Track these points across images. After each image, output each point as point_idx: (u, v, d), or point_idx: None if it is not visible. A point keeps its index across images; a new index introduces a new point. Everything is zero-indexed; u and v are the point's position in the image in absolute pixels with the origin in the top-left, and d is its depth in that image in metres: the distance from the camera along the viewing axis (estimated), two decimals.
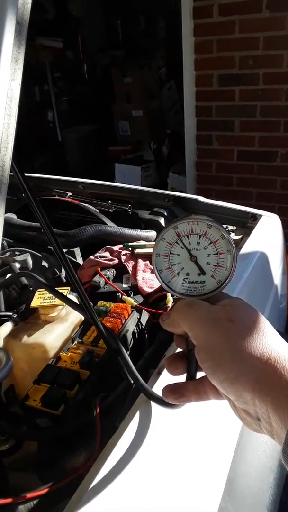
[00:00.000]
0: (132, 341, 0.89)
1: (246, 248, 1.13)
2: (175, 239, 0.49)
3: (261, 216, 1.29)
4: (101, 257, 1.13)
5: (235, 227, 1.28)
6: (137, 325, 0.92)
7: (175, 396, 0.49)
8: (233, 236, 1.24)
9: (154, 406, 0.65)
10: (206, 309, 0.47)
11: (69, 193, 1.50)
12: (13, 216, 1.34)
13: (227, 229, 1.24)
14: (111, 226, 1.27)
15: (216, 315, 0.45)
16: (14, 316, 0.91)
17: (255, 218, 1.28)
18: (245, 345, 0.43)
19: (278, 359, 0.41)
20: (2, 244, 1.09)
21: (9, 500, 0.54)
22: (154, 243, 0.51)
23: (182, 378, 0.50)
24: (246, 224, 1.28)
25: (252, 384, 0.41)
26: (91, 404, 0.71)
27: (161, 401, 0.62)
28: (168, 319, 0.49)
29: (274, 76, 2.71)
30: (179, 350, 0.53)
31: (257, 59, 2.71)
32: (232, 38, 2.74)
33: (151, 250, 0.63)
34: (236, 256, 0.48)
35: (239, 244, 1.18)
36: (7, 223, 1.25)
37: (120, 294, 0.99)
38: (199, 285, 0.50)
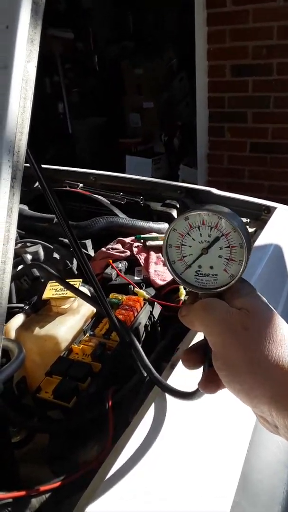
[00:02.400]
0: (144, 334, 0.88)
1: (260, 241, 1.11)
2: (186, 230, 0.48)
3: (275, 208, 1.26)
4: (113, 249, 1.12)
5: (248, 220, 1.26)
6: (149, 318, 0.91)
7: (216, 384, 0.47)
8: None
9: (168, 400, 0.64)
10: (223, 315, 0.45)
11: (81, 185, 1.49)
12: (24, 207, 1.33)
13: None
14: (123, 218, 1.25)
15: (232, 322, 0.44)
16: (26, 308, 0.90)
17: (269, 210, 1.26)
18: (261, 356, 0.41)
19: None
20: None
21: (23, 493, 0.54)
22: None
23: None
24: (260, 217, 1.26)
25: (268, 396, 0.40)
26: (103, 397, 0.71)
27: (177, 394, 0.61)
28: (186, 317, 0.48)
29: None
30: (193, 343, 0.51)
31: (271, 49, 2.67)
32: (245, 28, 2.70)
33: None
34: (249, 251, 0.47)
35: (253, 237, 1.17)
36: (19, 214, 1.24)
37: (132, 286, 0.98)
38: (212, 278, 0.48)
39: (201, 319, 0.46)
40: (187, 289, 0.51)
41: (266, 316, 0.44)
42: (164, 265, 1.03)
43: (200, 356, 0.49)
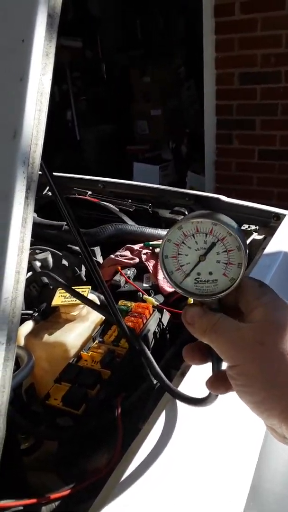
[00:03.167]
0: (153, 341, 0.88)
1: (269, 249, 1.11)
2: (181, 240, 0.48)
3: (284, 215, 1.26)
4: (121, 256, 1.12)
5: (257, 227, 1.26)
6: (158, 325, 0.91)
7: (225, 386, 0.46)
8: (256, 236, 1.22)
9: (179, 407, 0.64)
10: (234, 332, 0.44)
11: (89, 192, 1.50)
12: (33, 214, 1.34)
13: (249, 228, 1.24)
14: (131, 225, 1.26)
15: (246, 338, 0.43)
16: (35, 315, 0.91)
17: (279, 217, 1.25)
18: (276, 371, 0.41)
19: None
20: None
21: (33, 500, 0.54)
22: None
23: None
24: (269, 224, 1.26)
25: (278, 411, 0.40)
26: (112, 404, 0.71)
27: (189, 400, 0.61)
28: (193, 332, 0.47)
29: None
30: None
31: (279, 57, 2.68)
32: (254, 36, 2.71)
33: None
34: (246, 252, 0.47)
35: (262, 244, 1.16)
36: None
37: (141, 293, 0.98)
38: (212, 284, 0.48)
39: (211, 341, 0.45)
40: (188, 297, 0.51)
41: (283, 329, 0.42)
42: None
43: (203, 352, 0.48)
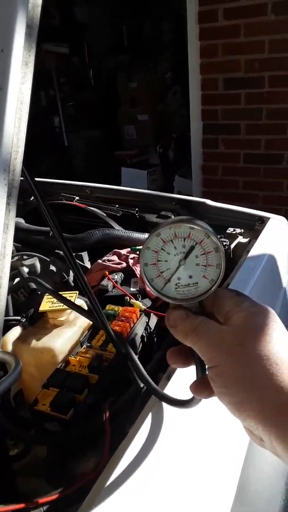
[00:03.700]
0: (140, 345, 0.89)
1: (254, 251, 1.13)
2: (160, 246, 0.48)
3: (268, 218, 1.28)
4: (109, 260, 1.13)
5: (242, 230, 1.27)
6: (145, 328, 0.92)
7: (209, 390, 0.46)
8: (241, 239, 1.24)
9: (165, 410, 0.65)
10: (215, 334, 0.45)
11: (77, 197, 1.50)
12: (21, 220, 1.34)
13: (234, 231, 1.25)
14: (118, 230, 1.27)
15: (226, 340, 0.44)
16: (23, 321, 0.91)
17: (263, 221, 1.27)
18: (255, 372, 0.41)
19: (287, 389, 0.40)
20: None
21: (21, 505, 0.54)
22: None
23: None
24: (254, 227, 1.28)
25: (256, 412, 0.41)
26: (100, 408, 0.71)
27: (175, 402, 0.62)
28: (175, 334, 0.48)
29: (280, 79, 2.71)
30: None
31: (263, 62, 2.71)
32: (237, 42, 2.74)
33: None
34: (224, 252, 0.48)
35: (246, 247, 1.18)
36: (15, 227, 1.25)
37: (128, 297, 0.99)
38: (193, 287, 0.49)
39: (193, 343, 0.46)
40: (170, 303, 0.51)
41: (263, 333, 0.43)
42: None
43: (186, 356, 0.49)
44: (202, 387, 0.47)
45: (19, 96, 0.35)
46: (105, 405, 0.71)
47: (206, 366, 0.45)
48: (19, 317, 0.93)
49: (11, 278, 1.03)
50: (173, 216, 1.37)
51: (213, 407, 0.49)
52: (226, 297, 0.48)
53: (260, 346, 0.42)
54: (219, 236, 1.23)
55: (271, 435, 0.40)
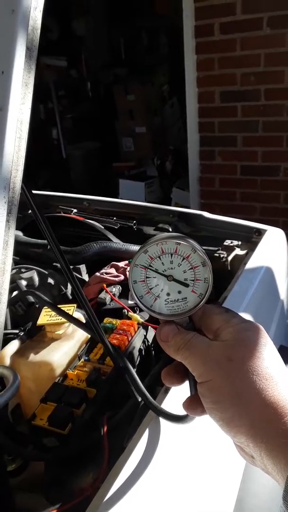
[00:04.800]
0: (138, 358, 0.89)
1: (251, 263, 1.13)
2: (148, 263, 0.49)
3: (265, 230, 1.29)
4: (106, 273, 1.13)
5: (239, 242, 1.28)
6: (143, 341, 0.92)
7: (201, 408, 0.46)
8: (238, 251, 1.24)
9: (162, 424, 0.65)
10: (205, 349, 0.45)
11: (75, 210, 1.51)
12: (19, 233, 1.35)
13: (232, 244, 1.26)
14: (116, 243, 1.27)
15: (216, 355, 0.44)
16: (21, 334, 0.91)
17: (260, 233, 1.28)
18: (244, 387, 0.42)
19: (277, 404, 0.40)
20: None
21: None
22: None
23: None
24: (251, 239, 1.28)
25: (247, 428, 0.41)
26: (98, 423, 0.71)
27: (172, 417, 0.62)
28: (166, 349, 0.48)
29: (276, 92, 2.74)
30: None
31: (258, 76, 2.75)
32: (233, 56, 2.78)
33: None
34: (211, 266, 0.48)
35: (244, 259, 1.18)
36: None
37: (126, 310, 0.99)
38: (182, 302, 0.49)
39: (183, 358, 0.46)
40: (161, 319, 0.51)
41: (252, 348, 0.44)
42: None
43: (181, 374, 0.49)
44: (194, 404, 0.47)
45: (19, 116, 0.36)
46: (103, 419, 0.71)
47: (197, 382, 0.45)
48: (17, 331, 0.93)
49: (9, 291, 1.03)
50: (170, 229, 1.37)
51: (211, 422, 0.49)
52: (215, 314, 0.49)
53: (250, 361, 0.43)
54: (216, 248, 1.25)
55: (262, 451, 0.40)
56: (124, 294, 1.08)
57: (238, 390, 0.42)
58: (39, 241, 1.27)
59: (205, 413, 0.46)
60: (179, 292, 0.49)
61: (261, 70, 2.73)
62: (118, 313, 0.99)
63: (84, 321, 0.90)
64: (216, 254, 1.22)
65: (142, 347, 0.90)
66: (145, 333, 0.93)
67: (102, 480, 0.59)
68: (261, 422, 0.40)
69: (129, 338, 0.88)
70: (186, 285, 0.49)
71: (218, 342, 0.45)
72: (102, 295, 1.05)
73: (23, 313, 1.02)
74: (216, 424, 0.44)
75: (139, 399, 0.72)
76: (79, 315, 0.95)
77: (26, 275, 1.09)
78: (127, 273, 1.13)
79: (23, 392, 0.82)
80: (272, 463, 0.39)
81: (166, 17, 5.02)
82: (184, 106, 3.17)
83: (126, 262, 1.18)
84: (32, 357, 0.84)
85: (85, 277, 1.19)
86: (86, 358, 0.86)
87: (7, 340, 0.90)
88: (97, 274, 1.13)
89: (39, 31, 0.35)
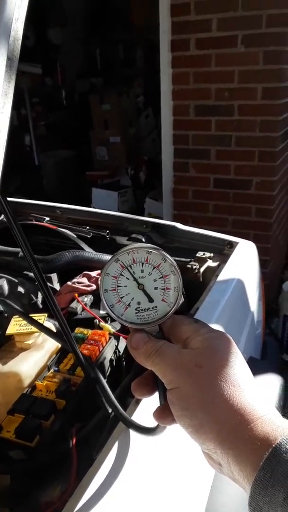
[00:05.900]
0: (109, 369, 0.89)
1: (223, 275, 1.15)
2: (119, 272, 0.49)
3: (237, 243, 1.31)
4: (78, 283, 1.12)
5: (212, 254, 1.30)
6: (114, 352, 0.91)
7: (171, 417, 0.46)
8: (211, 263, 1.26)
9: (132, 436, 0.64)
10: (175, 355, 0.46)
11: (47, 218, 1.50)
12: None
13: (204, 255, 1.28)
14: (89, 252, 1.26)
15: (185, 361, 0.45)
16: None
17: (232, 245, 1.30)
18: (212, 394, 0.42)
19: (244, 410, 0.41)
20: None
21: None
22: None
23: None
24: (223, 251, 1.30)
25: (214, 434, 0.41)
26: (67, 435, 0.70)
27: (142, 430, 0.61)
28: (137, 357, 0.49)
29: (249, 108, 2.80)
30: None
31: (232, 92, 2.80)
32: (208, 71, 2.83)
33: None
34: (180, 275, 0.49)
35: (216, 271, 1.20)
36: None
37: (97, 320, 0.99)
38: (152, 311, 0.50)
39: (154, 364, 0.47)
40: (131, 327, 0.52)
41: (221, 355, 0.45)
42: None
43: (151, 385, 0.50)
44: (164, 414, 0.47)
45: None
46: (72, 431, 0.70)
47: (167, 390, 0.46)
48: None
49: None
50: (144, 239, 1.38)
51: (181, 434, 0.49)
52: (184, 324, 0.49)
53: (218, 368, 0.43)
54: (189, 259, 1.26)
55: (229, 457, 0.40)
56: (96, 304, 1.08)
57: (206, 396, 0.42)
58: (10, 249, 1.25)
59: (175, 422, 0.46)
60: (150, 301, 0.50)
61: (235, 86, 2.79)
62: (89, 323, 0.99)
63: (55, 330, 0.89)
64: (188, 266, 1.24)
65: (113, 358, 0.90)
66: (116, 344, 0.92)
67: (70, 493, 0.58)
68: (229, 428, 0.40)
69: (100, 349, 0.87)
70: (152, 300, 0.49)
71: (188, 350, 0.46)
72: (74, 304, 1.05)
73: None
74: (185, 432, 0.44)
75: (110, 411, 0.72)
76: (49, 324, 0.94)
77: None
78: (99, 282, 1.12)
79: None
80: (238, 469, 0.39)
81: (143, 30, 5.08)
82: (158, 118, 3.20)
83: (99, 271, 1.17)
84: (0, 367, 0.83)
85: (57, 286, 1.18)
86: (56, 368, 0.85)
87: None
88: (69, 283, 1.12)
89: (20, 41, 0.35)
